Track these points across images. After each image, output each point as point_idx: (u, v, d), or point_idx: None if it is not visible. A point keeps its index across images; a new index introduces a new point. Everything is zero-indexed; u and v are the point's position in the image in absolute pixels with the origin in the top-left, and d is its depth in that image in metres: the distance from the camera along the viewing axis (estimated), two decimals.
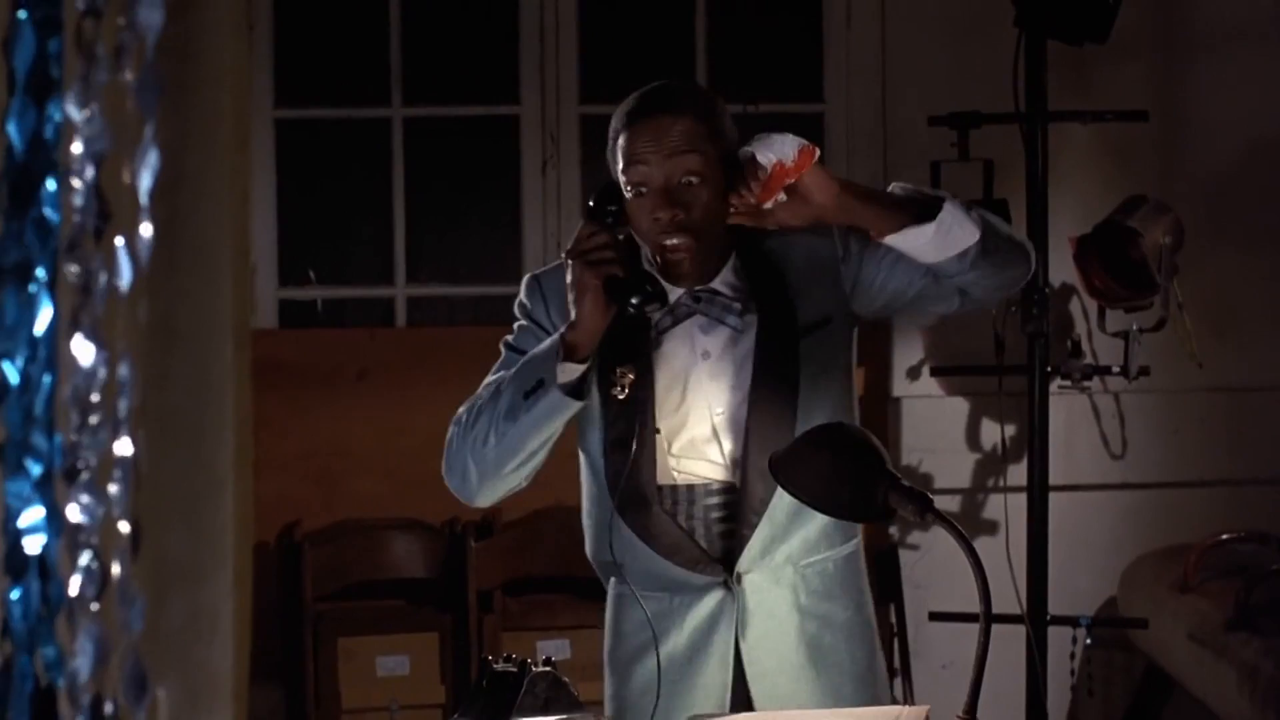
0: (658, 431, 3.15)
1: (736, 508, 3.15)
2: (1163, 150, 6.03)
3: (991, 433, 6.02)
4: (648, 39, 6.25)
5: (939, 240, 2.99)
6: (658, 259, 3.09)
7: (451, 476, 3.18)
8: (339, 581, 5.87)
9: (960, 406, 6.05)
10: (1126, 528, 6.07)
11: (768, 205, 3.01)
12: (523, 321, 3.25)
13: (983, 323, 5.67)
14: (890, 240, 3.03)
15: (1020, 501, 5.58)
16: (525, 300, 3.26)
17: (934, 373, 5.89)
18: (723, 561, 3.17)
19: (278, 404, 5.86)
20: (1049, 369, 5.47)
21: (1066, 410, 5.88)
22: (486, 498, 3.20)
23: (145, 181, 1.30)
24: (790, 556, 3.18)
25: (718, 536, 3.18)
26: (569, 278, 3.03)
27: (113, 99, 1.31)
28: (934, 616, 5.66)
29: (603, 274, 3.00)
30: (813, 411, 3.14)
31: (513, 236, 6.17)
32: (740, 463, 3.14)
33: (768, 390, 3.13)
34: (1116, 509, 6.11)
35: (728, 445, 3.15)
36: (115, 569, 1.31)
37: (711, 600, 3.17)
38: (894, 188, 3.10)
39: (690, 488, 3.18)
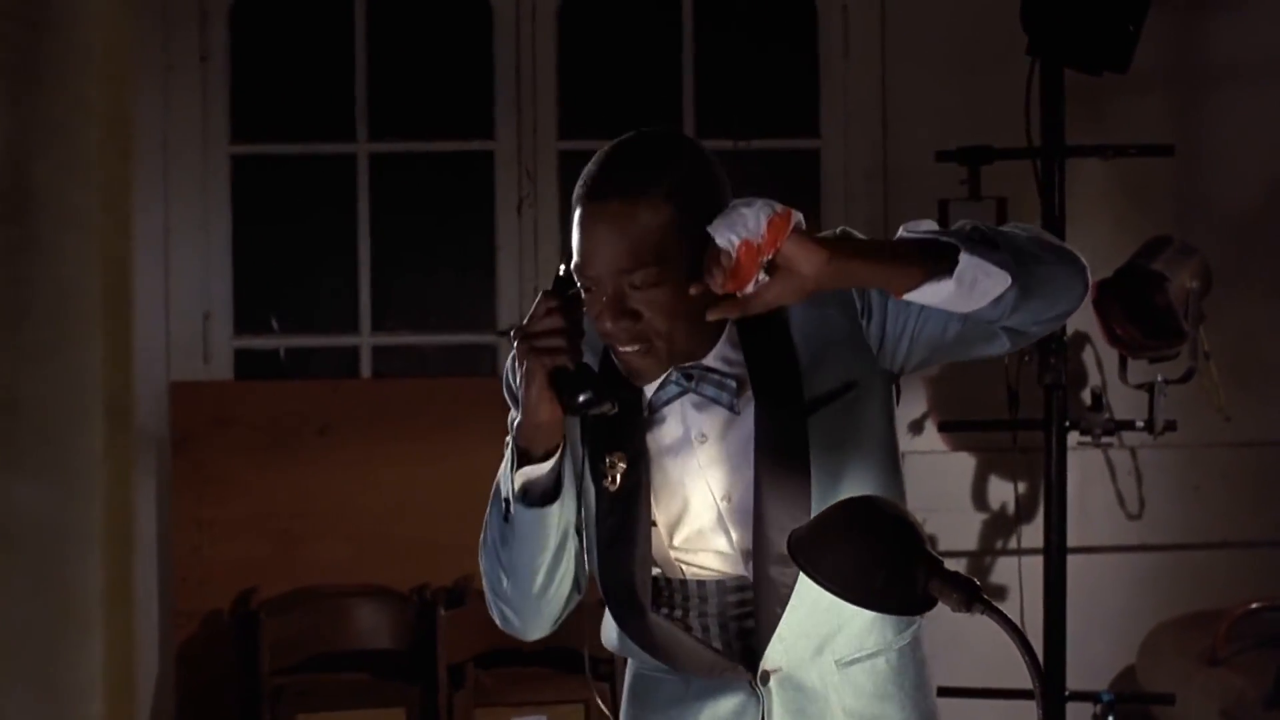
0: (654, 524, 2.74)
1: (756, 602, 2.74)
2: (1182, 189, 5.78)
3: (1000, 491, 5.72)
4: (631, 70, 5.98)
5: (963, 294, 2.55)
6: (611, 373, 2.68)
7: (496, 617, 2.83)
8: (299, 653, 5.60)
9: (966, 463, 5.75)
10: (1144, 593, 5.79)
11: (748, 289, 2.53)
12: (514, 413, 2.81)
13: (991, 374, 5.38)
14: (909, 297, 2.58)
15: (1030, 565, 5.31)
16: (513, 383, 2.83)
17: (942, 428, 5.55)
18: (745, 662, 2.76)
19: (233, 462, 5.65)
20: (1066, 423, 5.10)
21: (1080, 467, 5.56)
22: (540, 628, 2.81)
23: None
24: (832, 652, 2.77)
25: (737, 633, 2.77)
26: (517, 360, 2.65)
27: None
28: (943, 692, 5.26)
29: (548, 365, 2.60)
30: (834, 490, 2.71)
31: (486, 281, 5.91)
32: (752, 553, 2.73)
33: (774, 474, 2.72)
34: (1133, 572, 5.83)
35: (736, 535, 2.74)
36: None
37: (732, 700, 2.77)
38: (903, 231, 2.63)
39: (701, 583, 2.77)
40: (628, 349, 2.64)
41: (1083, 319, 5.42)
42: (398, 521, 5.59)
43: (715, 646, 2.74)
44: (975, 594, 2.43)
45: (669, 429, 2.74)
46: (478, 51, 5.90)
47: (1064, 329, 5.11)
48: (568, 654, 5.47)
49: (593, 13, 5.95)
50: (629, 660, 2.89)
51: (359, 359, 5.92)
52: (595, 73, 5.92)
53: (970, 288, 2.54)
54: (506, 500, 2.65)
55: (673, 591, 2.77)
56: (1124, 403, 5.49)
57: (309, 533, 5.68)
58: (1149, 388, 5.25)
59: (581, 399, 2.60)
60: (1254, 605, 5.17)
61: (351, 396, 5.79)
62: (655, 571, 2.76)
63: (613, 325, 2.62)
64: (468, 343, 5.89)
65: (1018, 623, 4.66)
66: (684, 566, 2.76)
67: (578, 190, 2.64)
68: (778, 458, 2.70)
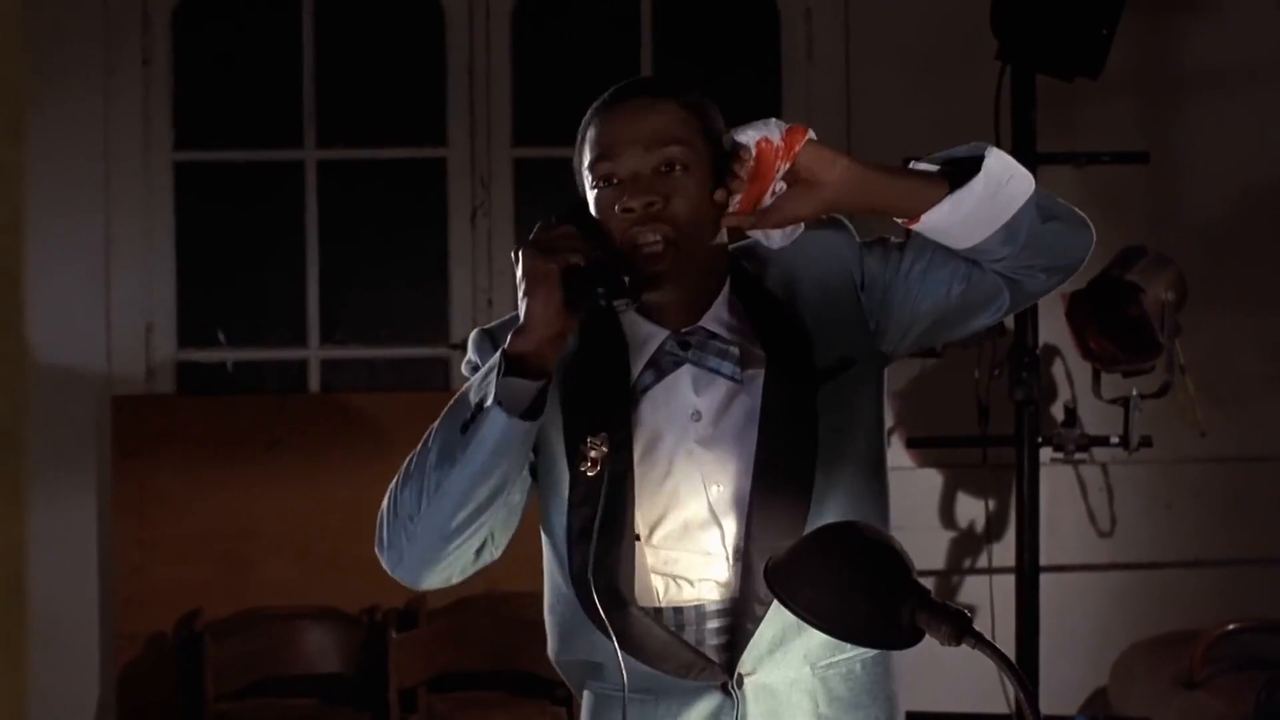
0: (638, 537, 2.57)
1: (739, 606, 2.58)
2: (1154, 198, 5.67)
3: (968, 508, 5.61)
4: (588, 73, 5.81)
5: (988, 201, 2.43)
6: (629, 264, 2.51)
7: (388, 555, 2.55)
8: (245, 678, 5.47)
9: (933, 479, 5.64)
10: (1116, 612, 5.68)
11: (766, 200, 2.45)
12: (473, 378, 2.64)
13: (960, 388, 5.29)
14: (928, 220, 2.45)
15: (999, 584, 5.25)
16: (475, 358, 2.66)
17: (911, 444, 5.40)
18: (722, 662, 2.60)
19: (176, 479, 5.52)
20: (1039, 439, 4.97)
21: (1050, 483, 5.44)
22: (435, 575, 2.56)
23: None
24: (808, 656, 2.61)
25: (715, 638, 2.61)
26: (518, 272, 2.45)
27: None
28: (912, 717, 5.13)
29: (561, 261, 2.42)
30: (833, 481, 2.58)
31: (439, 292, 5.78)
32: (743, 550, 2.56)
33: (777, 456, 2.55)
34: (1104, 592, 5.71)
35: (730, 529, 2.57)
36: None
37: (705, 706, 2.60)
38: (914, 165, 2.53)
39: (679, 610, 2.60)
40: (648, 235, 2.48)
41: (1054, 331, 5.30)
42: (347, 541, 5.42)
43: (693, 648, 2.57)
44: (965, 626, 2.29)
45: (659, 407, 2.58)
46: (429, 55, 5.77)
47: (1036, 341, 4.99)
48: (523, 677, 5.36)
49: (548, 14, 5.83)
50: (586, 690, 2.71)
51: (307, 373, 5.78)
52: (551, 77, 5.79)
53: (995, 194, 2.42)
54: (479, 403, 2.42)
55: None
56: (1095, 417, 5.36)
57: (255, 553, 5.54)
58: (1123, 402, 5.13)
59: (601, 290, 2.41)
60: (1231, 626, 5.03)
61: (299, 412, 5.65)
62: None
63: (638, 199, 2.48)
64: (420, 356, 5.77)
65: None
66: (660, 586, 2.57)
67: (589, 116, 2.59)
68: (783, 435, 2.55)
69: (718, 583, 2.58)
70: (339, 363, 5.81)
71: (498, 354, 2.44)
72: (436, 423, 2.50)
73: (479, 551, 2.56)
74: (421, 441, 2.51)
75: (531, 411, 2.43)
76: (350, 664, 5.48)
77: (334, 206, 5.77)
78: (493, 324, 2.68)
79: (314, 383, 5.77)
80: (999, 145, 4.79)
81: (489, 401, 2.41)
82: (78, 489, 5.49)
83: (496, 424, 2.41)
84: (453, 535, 2.49)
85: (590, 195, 2.53)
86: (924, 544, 5.56)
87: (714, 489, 2.56)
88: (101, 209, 5.55)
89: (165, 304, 5.68)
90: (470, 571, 2.58)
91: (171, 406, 5.63)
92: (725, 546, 2.56)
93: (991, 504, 5.49)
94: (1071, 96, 5.17)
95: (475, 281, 5.71)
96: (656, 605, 2.58)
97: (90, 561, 5.51)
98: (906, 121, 5.53)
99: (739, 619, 2.56)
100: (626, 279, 2.43)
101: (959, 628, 2.28)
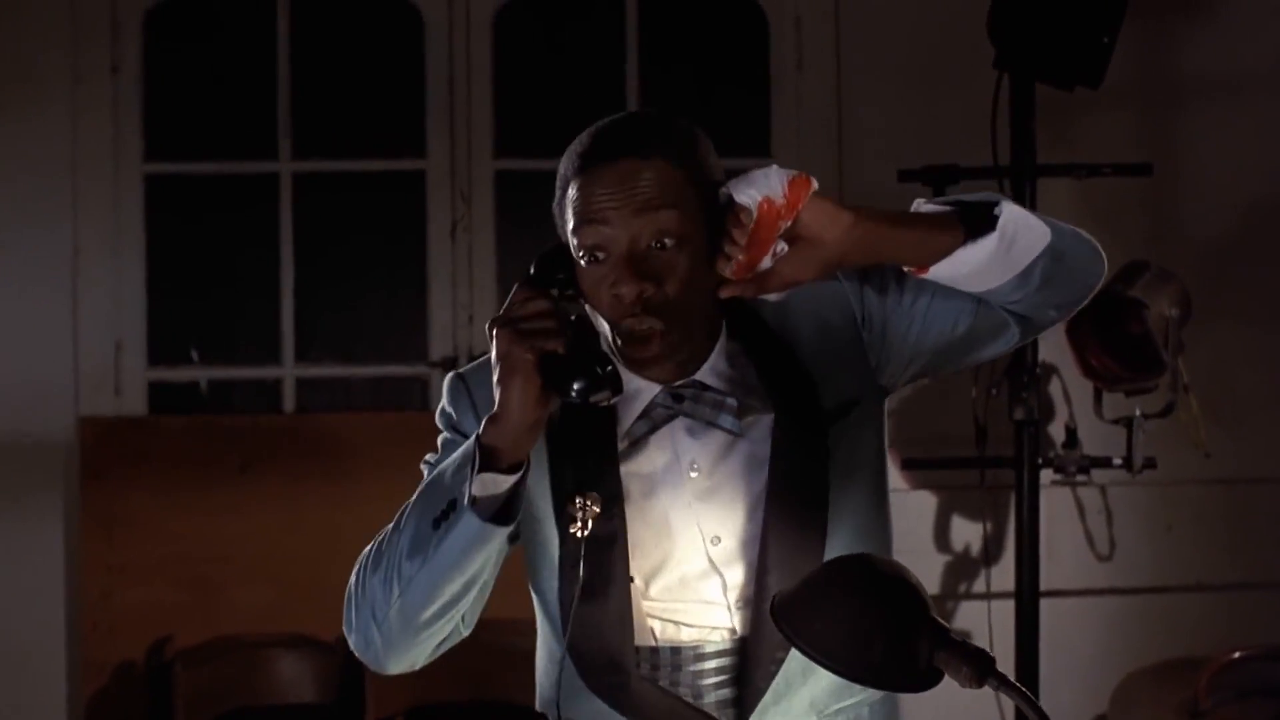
0: (632, 579, 2.45)
1: (745, 660, 2.48)
2: (1156, 211, 5.59)
3: (963, 531, 5.52)
4: (571, 83, 5.76)
5: (1001, 257, 2.34)
6: (618, 344, 2.37)
7: (355, 638, 2.49)
8: (217, 707, 5.40)
9: (927, 501, 5.56)
10: (1115, 639, 5.57)
11: (765, 262, 2.31)
12: (447, 434, 2.56)
13: (956, 408, 5.19)
14: (937, 271, 2.36)
15: (995, 609, 5.17)
16: (449, 407, 2.56)
17: (906, 465, 5.29)
18: (727, 717, 2.51)
19: (146, 501, 5.45)
20: (1039, 461, 4.87)
21: (1046, 505, 5.31)
22: (402, 663, 2.49)
23: None
24: (814, 704, 2.52)
25: (713, 677, 2.51)
26: (493, 354, 2.34)
27: None
28: None
29: (537, 349, 2.29)
30: (840, 521, 2.48)
31: (418, 309, 5.69)
32: (754, 600, 2.46)
33: (789, 503, 2.45)
34: (1103, 617, 5.60)
35: (734, 580, 2.47)
36: None
37: None
38: (919, 205, 2.43)
39: (676, 650, 2.49)
40: (640, 325, 2.35)
41: (1053, 349, 5.21)
42: (322, 566, 5.26)
43: (697, 709, 2.47)
44: (988, 667, 2.20)
45: (652, 460, 2.46)
46: (408, 63, 5.68)
47: (1035, 359, 4.88)
48: (505, 708, 5.27)
49: (530, 22, 5.73)
50: None
51: (281, 392, 5.69)
52: (534, 86, 5.69)
53: (1009, 248, 2.34)
54: (452, 501, 2.31)
55: (640, 660, 2.48)
56: (1094, 438, 5.25)
57: (228, 578, 5.45)
58: (1125, 423, 5.05)
59: (578, 385, 2.29)
60: (1237, 654, 4.92)
61: (273, 432, 5.56)
62: None
63: (630, 287, 2.33)
64: (398, 375, 5.67)
65: None
66: (657, 627, 2.47)
67: (571, 167, 2.41)
68: (795, 481, 2.44)
69: (716, 627, 2.48)
70: (314, 382, 5.72)
71: (472, 440, 2.32)
72: (411, 502, 2.40)
73: (445, 639, 2.49)
74: (396, 518, 2.41)
75: (505, 515, 2.32)
76: (326, 693, 5.40)
77: (309, 220, 5.68)
78: (468, 367, 2.57)
79: (289, 402, 5.68)
80: (995, 156, 4.77)
81: (463, 501, 2.30)
82: (44, 512, 5.40)
83: (469, 527, 2.31)
84: (422, 628, 2.42)
85: (578, 264, 2.39)
86: (919, 568, 5.34)
87: (713, 540, 2.46)
88: (69, 222, 5.45)
89: (135, 321, 5.59)
90: (435, 656, 2.50)
91: (141, 427, 5.55)
92: (726, 596, 2.47)
93: (989, 527, 5.40)
94: (1071, 106, 5.06)
95: (455, 297, 5.61)
96: (652, 644, 2.47)
97: (57, 587, 5.41)
98: (900, 132, 5.44)
99: (746, 670, 2.46)
100: (606, 369, 2.31)
101: (981, 669, 2.20)
